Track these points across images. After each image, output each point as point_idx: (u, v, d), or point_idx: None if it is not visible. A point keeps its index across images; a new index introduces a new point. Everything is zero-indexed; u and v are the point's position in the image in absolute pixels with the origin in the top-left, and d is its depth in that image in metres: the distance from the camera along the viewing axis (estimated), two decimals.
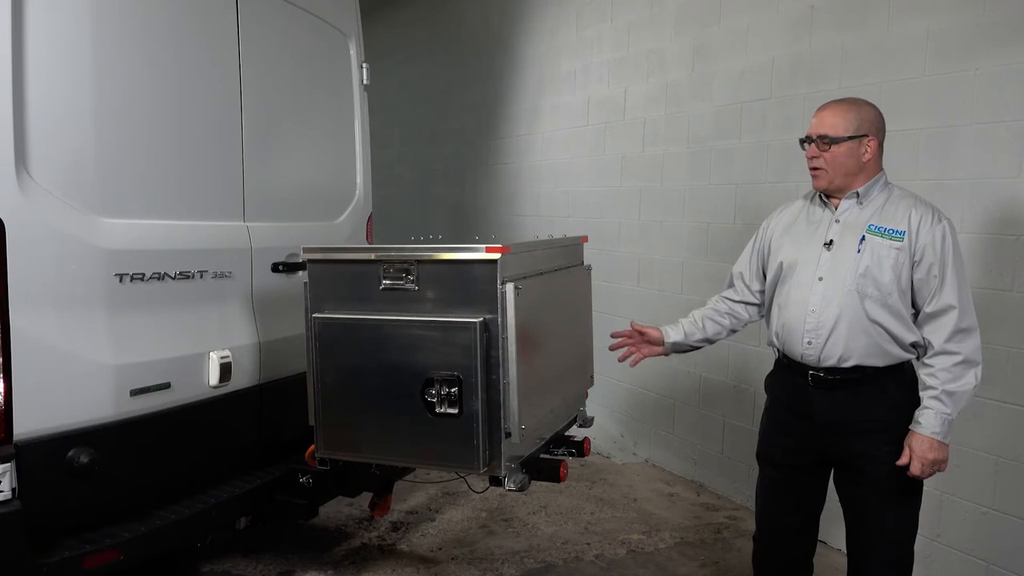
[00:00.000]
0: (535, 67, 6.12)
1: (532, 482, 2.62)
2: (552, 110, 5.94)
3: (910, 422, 2.31)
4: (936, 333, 2.28)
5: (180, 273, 2.83)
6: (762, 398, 4.14)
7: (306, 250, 2.71)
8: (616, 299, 5.23)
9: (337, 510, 4.02)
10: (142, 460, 2.68)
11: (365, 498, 3.35)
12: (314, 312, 2.65)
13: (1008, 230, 3.06)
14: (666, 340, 2.74)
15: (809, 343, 2.38)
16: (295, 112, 3.44)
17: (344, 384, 2.60)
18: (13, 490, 2.28)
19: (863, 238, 2.35)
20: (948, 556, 3.29)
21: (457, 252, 2.47)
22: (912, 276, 2.31)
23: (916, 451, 2.26)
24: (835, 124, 2.37)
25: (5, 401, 2.28)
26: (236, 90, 3.07)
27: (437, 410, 2.44)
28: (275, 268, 3.24)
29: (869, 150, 2.37)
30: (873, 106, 2.42)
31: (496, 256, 2.39)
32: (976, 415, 3.16)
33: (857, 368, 2.34)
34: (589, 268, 3.30)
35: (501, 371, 2.41)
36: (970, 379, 2.26)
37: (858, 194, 2.40)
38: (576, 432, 3.15)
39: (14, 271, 2.30)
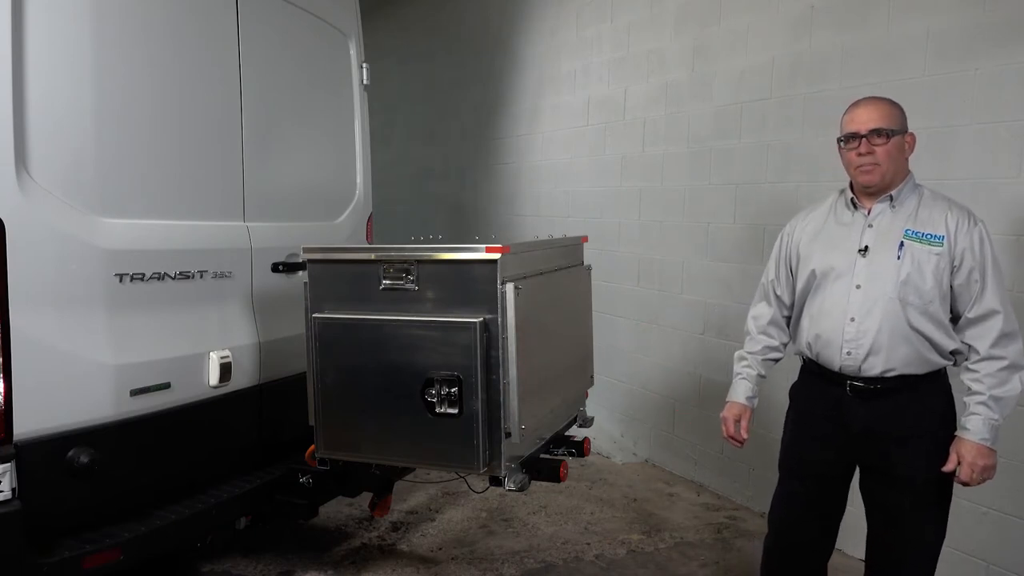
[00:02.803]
0: (535, 67, 6.12)
1: (532, 482, 2.62)
2: (552, 110, 5.94)
3: (948, 429, 2.29)
4: (981, 339, 2.25)
5: (180, 273, 2.83)
6: (763, 398, 4.13)
7: (306, 250, 2.71)
8: (616, 299, 5.23)
9: (337, 510, 4.02)
10: (142, 460, 2.68)
11: (365, 498, 3.35)
12: (314, 312, 2.65)
13: (1008, 230, 3.06)
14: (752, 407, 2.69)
15: (848, 353, 2.33)
16: (295, 112, 3.44)
17: (344, 384, 2.61)
18: (13, 490, 2.28)
19: (902, 244, 2.29)
20: (948, 556, 3.27)
21: (457, 252, 2.48)
22: (952, 282, 2.27)
23: (966, 458, 2.23)
24: (888, 117, 2.30)
25: (5, 401, 2.28)
26: (236, 90, 3.07)
27: (437, 410, 2.44)
28: (275, 268, 3.24)
29: (910, 147, 2.36)
30: None
31: (496, 256, 2.39)
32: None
33: (899, 377, 2.30)
34: (589, 268, 3.30)
35: (501, 371, 2.41)
36: (1016, 384, 2.23)
37: (891, 197, 2.35)
38: (576, 432, 3.16)
39: (14, 271, 2.30)
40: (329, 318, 2.62)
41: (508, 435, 2.44)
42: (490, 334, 2.41)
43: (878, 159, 2.29)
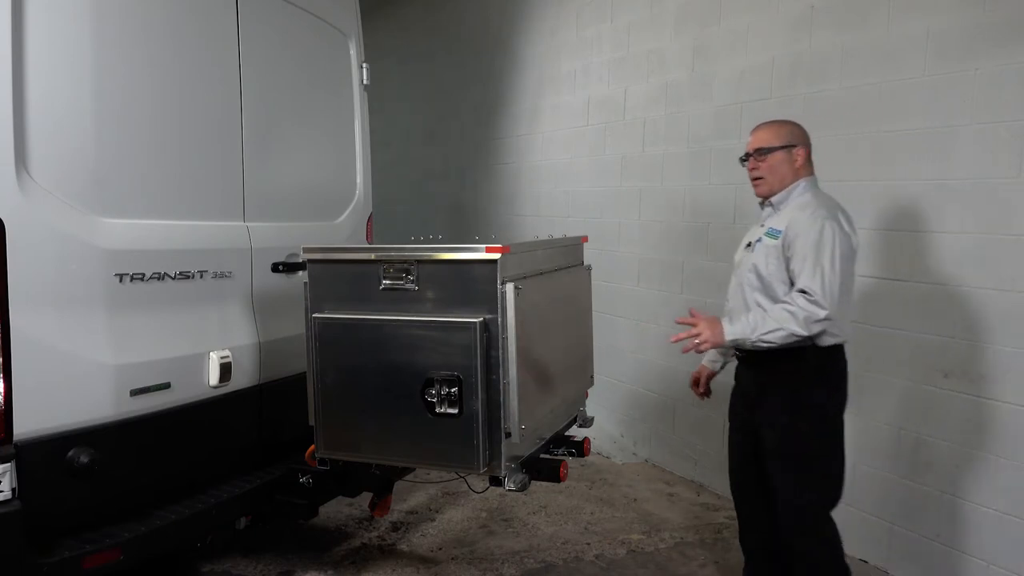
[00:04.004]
0: (535, 67, 6.12)
1: (532, 482, 2.62)
2: (552, 110, 5.94)
3: (799, 392, 2.67)
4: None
5: (180, 273, 2.83)
6: None
7: (306, 250, 2.71)
8: (616, 299, 5.23)
9: (337, 510, 4.02)
10: (142, 460, 2.68)
11: (365, 498, 3.34)
12: (314, 312, 2.65)
13: (1008, 230, 3.05)
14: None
15: None
16: (295, 112, 3.44)
17: (344, 384, 2.61)
18: (13, 490, 2.28)
19: (759, 239, 2.74)
20: (948, 556, 3.29)
21: (457, 252, 2.48)
22: (789, 266, 2.62)
23: (704, 321, 2.65)
24: (768, 139, 2.78)
25: (5, 401, 2.28)
26: (236, 90, 3.07)
27: (437, 410, 2.44)
28: (275, 268, 3.24)
29: (799, 158, 2.74)
30: (798, 125, 2.84)
31: (496, 256, 2.39)
32: (976, 415, 3.17)
33: (757, 349, 2.63)
34: (589, 268, 3.30)
35: (501, 371, 2.41)
36: (785, 320, 2.51)
37: (773, 203, 2.79)
38: (576, 432, 3.15)
39: (14, 271, 2.30)
40: (329, 318, 2.62)
41: (508, 435, 2.44)
42: (490, 334, 2.41)
43: (761, 173, 2.77)
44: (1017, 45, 3.03)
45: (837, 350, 2.70)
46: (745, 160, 2.84)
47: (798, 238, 2.58)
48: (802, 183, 2.75)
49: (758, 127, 2.85)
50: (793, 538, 2.75)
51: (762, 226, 2.79)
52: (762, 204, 2.86)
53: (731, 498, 4.49)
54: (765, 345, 2.56)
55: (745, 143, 4.26)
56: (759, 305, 2.67)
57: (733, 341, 2.62)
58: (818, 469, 2.72)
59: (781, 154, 2.73)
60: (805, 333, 2.51)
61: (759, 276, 2.69)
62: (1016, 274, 3.03)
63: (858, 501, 3.69)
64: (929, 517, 3.36)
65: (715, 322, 2.63)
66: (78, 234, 2.49)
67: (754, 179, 2.80)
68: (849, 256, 2.59)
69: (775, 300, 2.63)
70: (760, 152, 2.76)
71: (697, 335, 2.62)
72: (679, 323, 2.72)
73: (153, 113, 2.76)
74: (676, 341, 2.68)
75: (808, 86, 3.89)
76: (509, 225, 6.45)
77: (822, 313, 2.49)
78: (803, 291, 2.52)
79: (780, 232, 2.65)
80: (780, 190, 2.76)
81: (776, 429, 2.72)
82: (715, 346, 2.67)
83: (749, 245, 2.83)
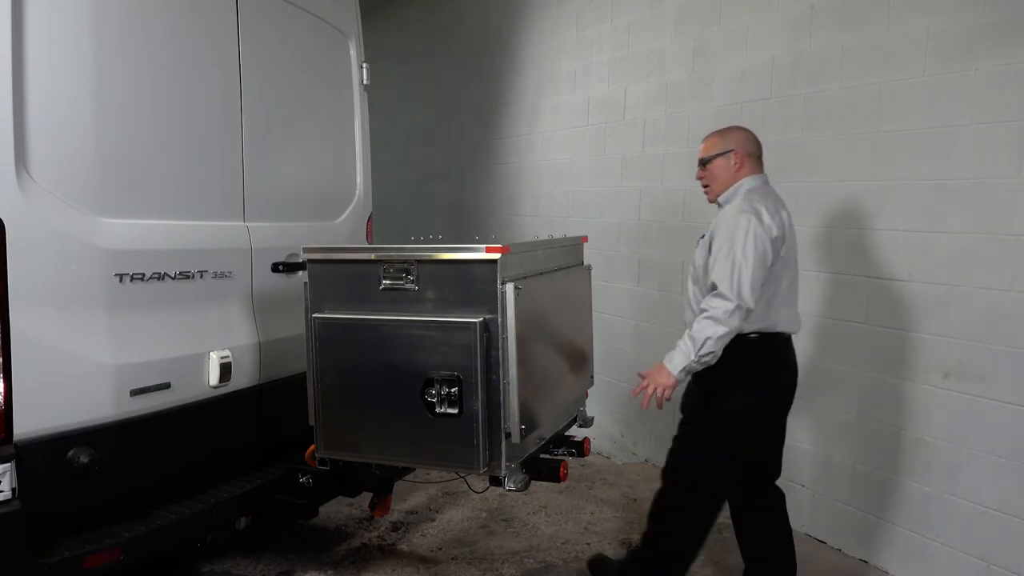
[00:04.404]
0: (535, 67, 6.12)
1: (532, 482, 2.62)
2: (552, 110, 5.94)
3: (716, 397, 2.79)
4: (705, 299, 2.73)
5: (180, 273, 2.83)
6: None
7: (306, 250, 2.71)
8: (616, 299, 5.23)
9: (337, 510, 4.02)
10: (142, 460, 2.68)
11: (365, 498, 3.34)
12: (314, 312, 2.65)
13: (1008, 230, 3.05)
14: None
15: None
16: (295, 112, 3.44)
17: (344, 384, 2.61)
18: (13, 490, 2.28)
19: (703, 236, 2.91)
20: (948, 556, 3.29)
21: (457, 252, 2.48)
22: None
23: (651, 371, 2.75)
24: (708, 149, 2.96)
25: (5, 401, 2.28)
26: (236, 90, 3.07)
27: (437, 410, 2.44)
28: (275, 268, 3.24)
29: (737, 161, 2.90)
30: (741, 128, 3.01)
31: (496, 256, 2.40)
32: (976, 415, 3.17)
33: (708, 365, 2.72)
34: (589, 268, 3.30)
35: (501, 371, 2.41)
36: (707, 328, 2.63)
37: (719, 203, 2.95)
38: (576, 432, 3.16)
39: (14, 271, 2.30)
40: (329, 318, 2.62)
41: (508, 435, 2.44)
42: (490, 334, 2.42)
43: (706, 180, 2.98)
44: (1017, 45, 3.03)
45: (765, 342, 2.78)
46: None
47: (718, 229, 2.76)
48: (744, 182, 2.89)
49: (704, 138, 3.02)
50: (648, 515, 2.99)
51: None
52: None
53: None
54: (709, 358, 2.66)
55: None
56: (692, 296, 2.89)
57: (684, 372, 2.71)
58: (696, 468, 2.86)
59: (720, 160, 2.92)
60: (727, 329, 2.62)
61: (695, 267, 2.91)
62: (1016, 274, 3.03)
63: (858, 501, 3.69)
64: (929, 517, 3.36)
65: (660, 368, 2.73)
66: (78, 234, 2.49)
67: (703, 187, 3.01)
68: (764, 246, 2.68)
69: (704, 289, 2.80)
70: (703, 162, 2.96)
71: (652, 388, 2.73)
72: (634, 394, 2.82)
73: (153, 113, 2.76)
74: (635, 396, 2.80)
75: (808, 86, 3.89)
76: (509, 225, 6.45)
77: (731, 305, 2.61)
78: (713, 286, 2.67)
79: (709, 229, 2.87)
80: (724, 192, 2.93)
81: (688, 423, 2.93)
82: (674, 387, 2.73)
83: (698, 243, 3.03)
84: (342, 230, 3.72)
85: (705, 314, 2.65)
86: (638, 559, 3.04)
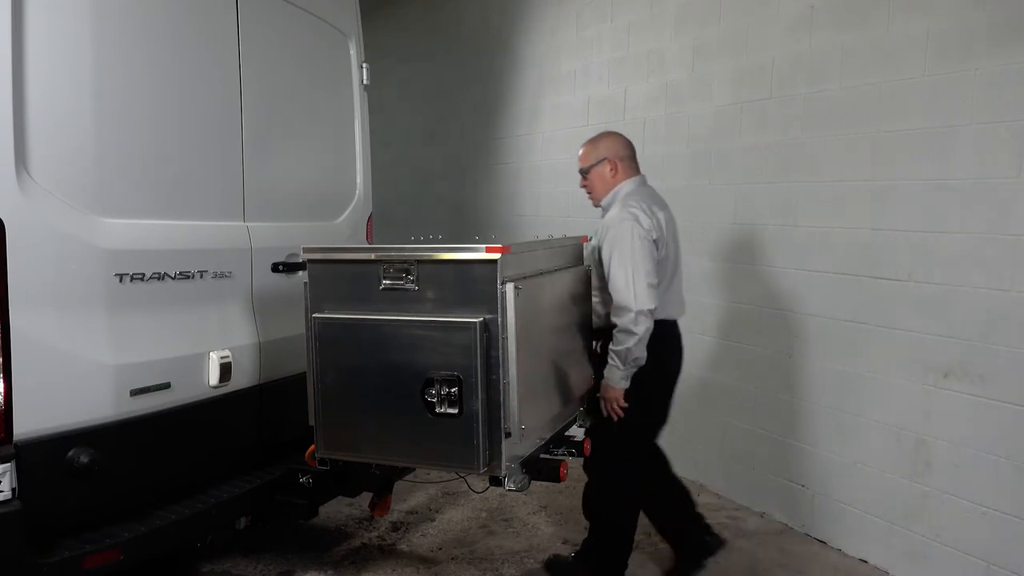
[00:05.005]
0: (535, 67, 6.12)
1: (532, 482, 2.62)
2: (552, 110, 5.94)
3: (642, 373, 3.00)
4: (610, 306, 2.95)
5: (180, 273, 2.83)
6: (762, 398, 4.15)
7: (306, 250, 2.71)
8: None
9: (337, 510, 4.02)
10: (142, 460, 2.68)
11: (365, 498, 3.34)
12: (314, 312, 2.65)
13: (1008, 230, 3.05)
14: None
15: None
16: (295, 112, 3.44)
17: (344, 384, 2.61)
18: (13, 490, 2.28)
19: (590, 238, 3.18)
20: (948, 556, 3.29)
21: (457, 252, 2.48)
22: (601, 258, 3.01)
23: (602, 395, 3.04)
24: (584, 158, 3.21)
25: (5, 401, 2.28)
26: (236, 90, 3.07)
27: (437, 410, 2.44)
28: (275, 268, 3.24)
29: (610, 168, 3.14)
30: (611, 135, 3.24)
31: (496, 256, 2.39)
32: (976, 415, 3.17)
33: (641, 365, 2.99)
34: (589, 268, 3.30)
35: (501, 371, 2.41)
36: (621, 339, 2.90)
37: (603, 206, 3.19)
38: (576, 432, 3.15)
39: (14, 271, 2.30)
40: (329, 318, 2.62)
41: (508, 435, 2.44)
42: (490, 334, 2.41)
43: (588, 188, 3.23)
44: (1017, 45, 3.02)
45: (658, 328, 2.97)
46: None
47: (604, 238, 2.99)
48: (623, 186, 3.14)
49: (581, 147, 3.25)
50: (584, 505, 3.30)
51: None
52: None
53: (731, 498, 4.51)
54: (639, 360, 2.93)
55: (745, 143, 4.31)
56: (600, 302, 3.15)
57: (625, 380, 2.96)
58: (626, 439, 3.10)
59: (596, 169, 3.17)
60: (639, 334, 2.88)
61: (593, 274, 3.18)
62: (1016, 274, 3.03)
63: (858, 501, 3.69)
64: (929, 517, 3.36)
65: (606, 387, 3.01)
66: (78, 234, 2.49)
67: (587, 194, 3.27)
68: (647, 249, 2.92)
69: (599, 291, 3.12)
70: (582, 172, 3.22)
71: (609, 405, 3.01)
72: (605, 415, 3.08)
73: (153, 113, 2.76)
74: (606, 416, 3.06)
75: (808, 86, 3.89)
76: (509, 225, 6.45)
77: (632, 314, 2.87)
78: (621, 307, 2.90)
79: (594, 236, 3.13)
80: (605, 198, 3.17)
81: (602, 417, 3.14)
82: (624, 394, 2.98)
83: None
84: (342, 230, 3.72)
85: (616, 329, 2.92)
86: (589, 547, 3.31)
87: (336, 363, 2.61)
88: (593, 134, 3.32)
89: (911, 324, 3.42)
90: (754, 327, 4.25)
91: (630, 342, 2.88)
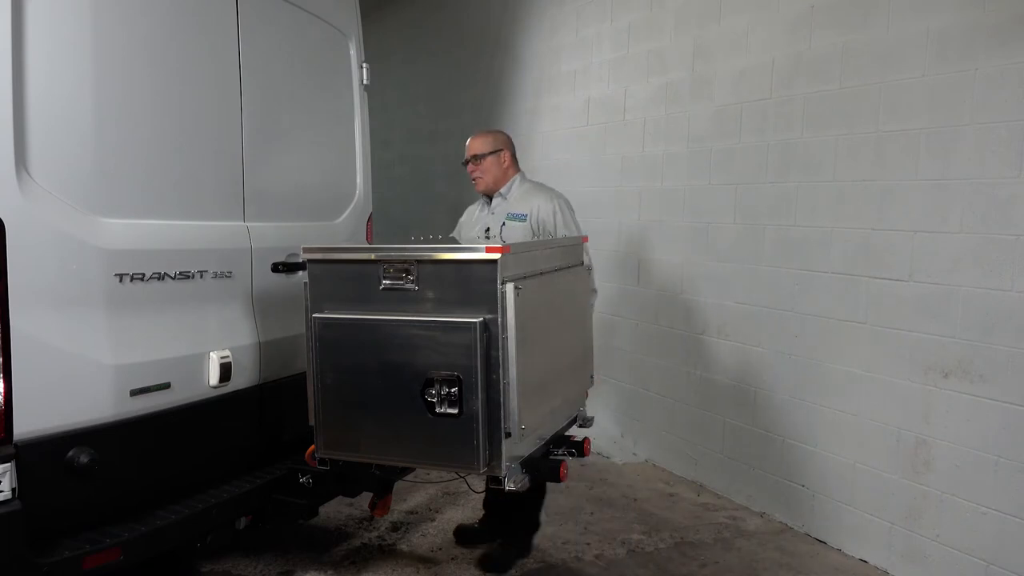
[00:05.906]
0: (535, 67, 6.12)
1: (532, 482, 2.62)
2: (552, 110, 5.94)
3: None
4: None
5: (180, 273, 2.82)
6: (763, 398, 4.15)
7: (306, 250, 2.71)
8: (616, 299, 5.23)
9: (337, 510, 4.02)
10: (142, 460, 2.68)
11: (365, 498, 3.34)
12: (314, 312, 2.65)
13: (1008, 230, 3.06)
14: None
15: None
16: (295, 112, 3.44)
17: (344, 384, 2.60)
18: (13, 490, 2.28)
19: (503, 224, 3.40)
20: (948, 556, 3.29)
21: (457, 252, 2.48)
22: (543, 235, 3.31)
23: None
24: (480, 147, 3.49)
25: (5, 401, 2.28)
26: (236, 90, 3.07)
27: (437, 410, 2.44)
28: (275, 268, 3.23)
29: (506, 160, 3.48)
30: (502, 131, 3.68)
31: (496, 256, 2.39)
32: (976, 415, 3.17)
33: None
34: (589, 268, 3.30)
35: (501, 371, 2.41)
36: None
37: (501, 194, 3.49)
38: (576, 432, 3.15)
39: (14, 271, 2.30)
40: (329, 318, 2.62)
41: (508, 435, 2.44)
42: (490, 334, 2.41)
43: (479, 174, 3.51)
44: (1017, 45, 3.03)
45: None
46: (465, 164, 3.56)
47: (551, 216, 3.33)
48: (517, 177, 3.52)
49: (472, 138, 3.55)
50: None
51: (492, 213, 3.50)
52: (488, 198, 3.57)
53: (731, 498, 4.52)
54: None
55: (745, 143, 4.31)
56: None
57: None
58: None
59: (491, 158, 3.47)
60: (595, 284, 3.40)
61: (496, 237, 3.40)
62: (1016, 274, 3.03)
63: (858, 501, 3.69)
64: (929, 517, 3.36)
65: None
66: (78, 234, 2.49)
67: (473, 179, 3.53)
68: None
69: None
70: (476, 158, 3.48)
71: None
72: None
73: (153, 113, 2.76)
74: None
75: (808, 86, 3.89)
76: None
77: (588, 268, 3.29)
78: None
79: (525, 216, 3.37)
80: (496, 186, 3.49)
81: None
82: None
83: (488, 229, 3.46)
84: (342, 230, 3.72)
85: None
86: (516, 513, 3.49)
87: (336, 363, 2.61)
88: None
89: (911, 324, 3.42)
90: (754, 327, 4.25)
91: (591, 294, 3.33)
